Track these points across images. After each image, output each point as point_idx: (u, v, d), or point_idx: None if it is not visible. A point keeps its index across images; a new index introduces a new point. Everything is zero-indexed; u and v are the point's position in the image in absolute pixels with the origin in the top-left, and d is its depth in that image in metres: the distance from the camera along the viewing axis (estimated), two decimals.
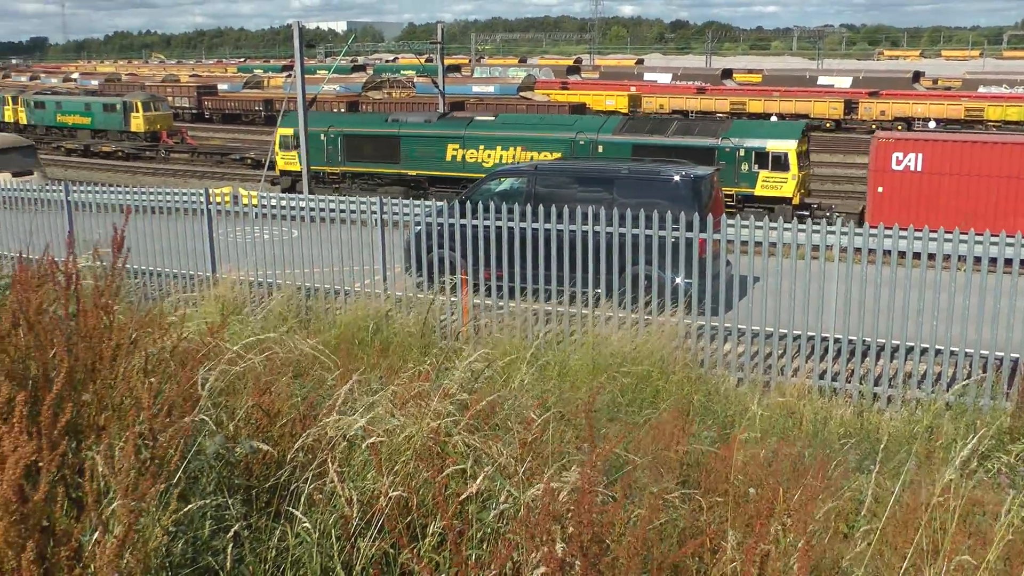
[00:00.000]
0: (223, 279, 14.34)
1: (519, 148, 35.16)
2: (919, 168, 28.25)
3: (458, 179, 36.00)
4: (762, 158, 32.24)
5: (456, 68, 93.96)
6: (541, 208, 13.59)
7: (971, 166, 27.82)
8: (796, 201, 32.33)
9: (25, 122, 70.15)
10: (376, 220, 14.65)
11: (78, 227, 17.22)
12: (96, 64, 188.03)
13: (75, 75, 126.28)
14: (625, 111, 69.41)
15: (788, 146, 32.18)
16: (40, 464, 3.02)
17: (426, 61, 73.12)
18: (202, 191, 15.99)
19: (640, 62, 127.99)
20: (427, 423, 4.04)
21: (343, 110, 61.89)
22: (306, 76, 34.87)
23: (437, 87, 45.47)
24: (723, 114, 69.59)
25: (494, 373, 6.47)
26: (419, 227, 14.66)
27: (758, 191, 32.58)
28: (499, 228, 13.72)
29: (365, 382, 5.81)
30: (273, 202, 15.36)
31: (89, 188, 17.73)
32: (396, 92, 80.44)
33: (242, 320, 10.38)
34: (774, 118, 66.98)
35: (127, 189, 17.17)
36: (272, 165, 40.84)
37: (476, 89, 75.88)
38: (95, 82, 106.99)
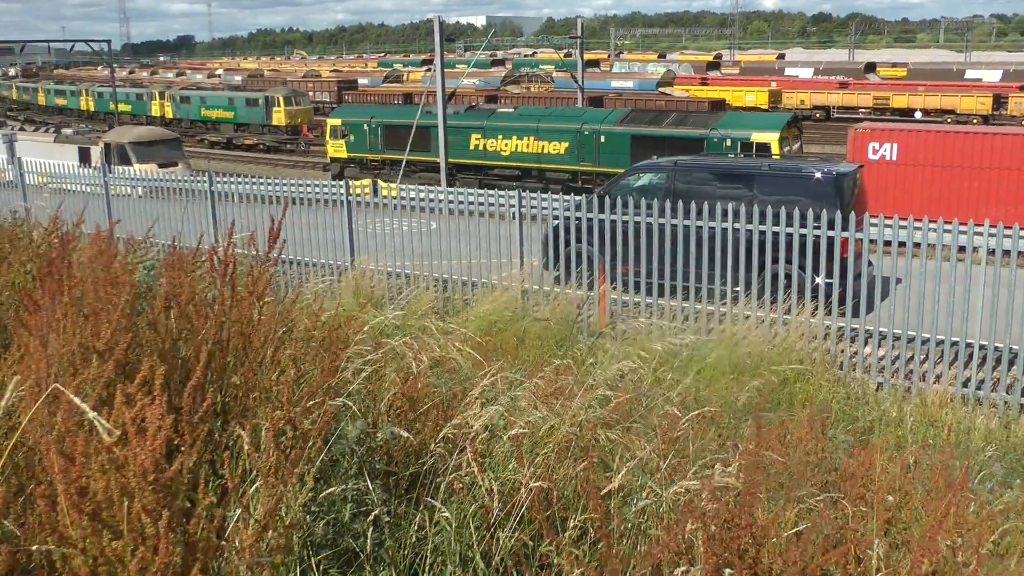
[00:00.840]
0: (360, 269, 14.61)
1: (532, 138, 37.64)
2: (895, 158, 28.81)
3: (480, 166, 38.96)
4: (747, 148, 33.33)
5: (595, 63, 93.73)
6: (680, 204, 13.45)
7: (946, 157, 27.93)
8: None
9: (171, 116, 72.86)
10: (514, 214, 14.72)
11: (221, 216, 17.76)
12: (240, 61, 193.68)
13: (219, 71, 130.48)
14: (765, 107, 68.20)
15: (771, 136, 33.31)
16: (182, 441, 3.11)
17: (565, 56, 73.11)
18: (342, 183, 16.31)
19: (781, 57, 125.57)
20: (570, 416, 4.01)
21: (482, 103, 62.51)
22: (445, 70, 35.25)
23: (576, 82, 45.41)
24: (866, 109, 67.81)
25: (632, 369, 6.41)
26: (557, 221, 14.68)
27: None
28: (637, 223, 13.63)
29: (504, 374, 5.82)
30: (412, 194, 15.56)
31: (232, 179, 18.26)
32: (535, 87, 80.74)
33: (380, 309, 10.54)
34: (918, 114, 64.93)
35: (269, 180, 17.63)
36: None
37: (615, 84, 75.56)
38: (238, 78, 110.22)
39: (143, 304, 5.42)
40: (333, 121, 44.78)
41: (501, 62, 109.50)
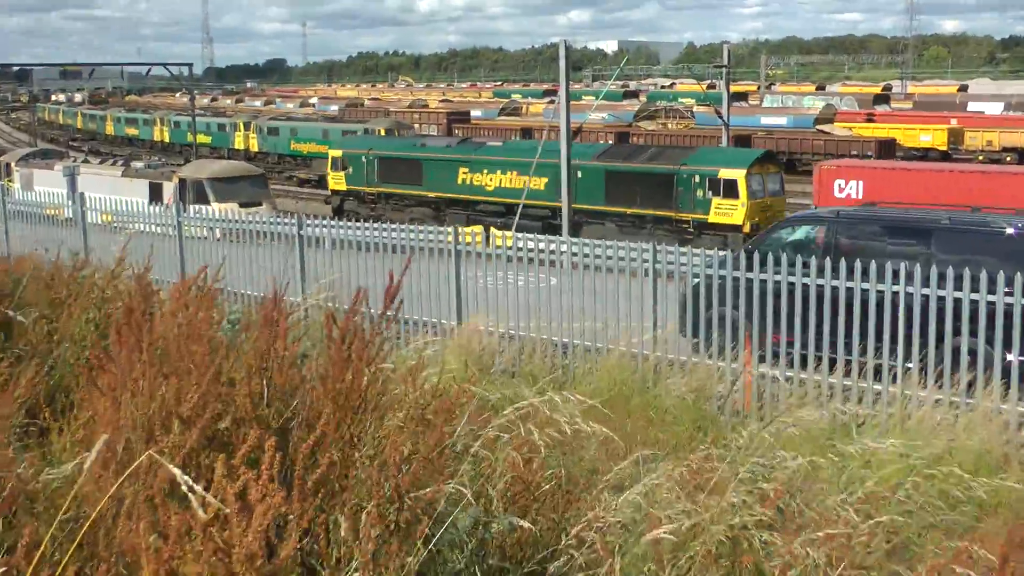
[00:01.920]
0: (469, 328, 14.75)
1: (514, 172, 41.85)
2: (860, 195, 32.24)
3: (467, 201, 43.49)
4: (715, 184, 36.76)
5: (742, 96, 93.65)
6: (843, 262, 13.29)
7: (908, 193, 29.72)
8: (747, 229, 35.77)
9: (256, 149, 74.66)
10: (647, 270, 14.73)
11: (311, 265, 18.11)
12: (337, 88, 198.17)
13: (313, 100, 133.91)
14: (944, 148, 67.13)
15: (737, 173, 36.47)
16: (289, 518, 3.18)
17: (708, 88, 73.19)
18: (450, 229, 16.53)
19: (963, 89, 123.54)
20: (717, 513, 3.98)
21: (611, 141, 62.98)
22: (571, 103, 35.57)
23: (721, 118, 45.42)
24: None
25: (787, 459, 6.33)
26: (697, 280, 14.63)
27: (712, 218, 37.07)
28: (791, 284, 13.50)
29: (632, 456, 5.80)
30: (530, 245, 15.70)
31: (324, 222, 18.64)
32: (672, 122, 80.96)
33: (491, 377, 10.64)
34: None
35: (365, 225, 17.96)
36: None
37: (765, 121, 75.30)
38: (335, 107, 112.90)
39: (223, 364, 5.55)
40: (334, 153, 50.04)
41: (634, 94, 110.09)
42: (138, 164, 49.71)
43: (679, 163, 38.00)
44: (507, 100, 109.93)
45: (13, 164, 52.50)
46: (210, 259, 18.58)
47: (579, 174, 39.07)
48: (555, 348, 14.60)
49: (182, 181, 42.21)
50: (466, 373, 10.51)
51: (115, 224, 21.89)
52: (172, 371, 4.77)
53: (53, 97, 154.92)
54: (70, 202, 23.23)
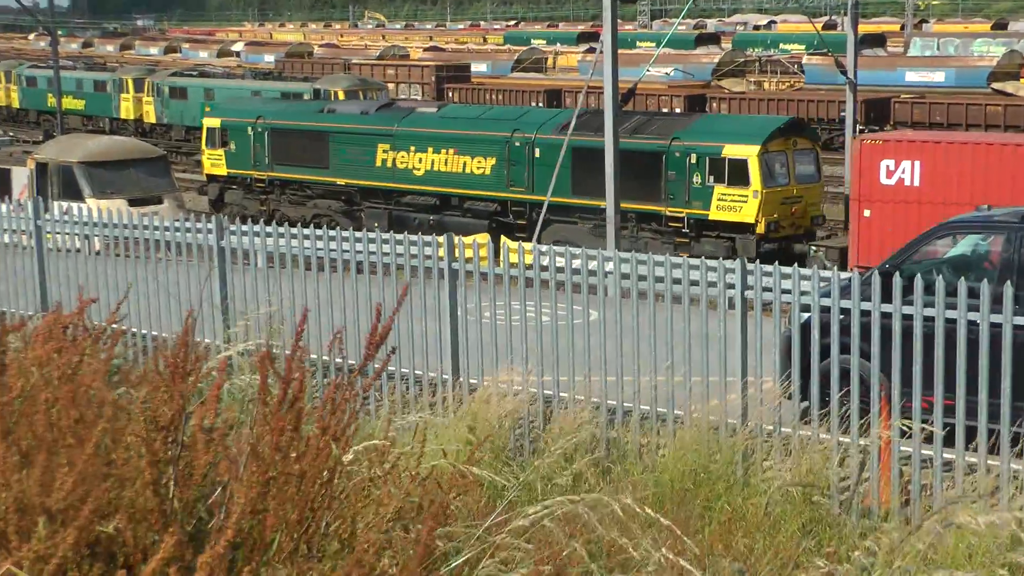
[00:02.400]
0: (473, 385, 14.80)
1: (452, 151, 43.14)
2: (916, 181, 33.44)
3: (389, 191, 45.01)
4: (717, 167, 37.63)
5: (878, 40, 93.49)
6: None
7: (990, 178, 31.85)
8: (761, 230, 37.07)
9: (153, 120, 74.86)
10: (735, 299, 14.75)
11: (237, 291, 18.19)
12: (273, 28, 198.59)
13: (237, 46, 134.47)
14: None
15: (749, 150, 37.27)
16: None
17: (824, 28, 73.29)
18: (442, 240, 16.63)
19: None
20: None
21: (679, 109, 63.22)
22: (619, 51, 35.59)
23: (844, 73, 45.43)
24: None
25: None
26: (807, 315, 14.63)
27: (713, 214, 37.94)
28: (950, 322, 13.53)
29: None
30: (559, 262, 15.77)
31: (257, 228, 18.75)
32: (769, 80, 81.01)
33: (507, 457, 10.70)
34: None
35: (316, 233, 18.03)
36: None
37: (912, 77, 75.32)
38: (270, 58, 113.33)
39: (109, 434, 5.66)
40: (210, 122, 51.90)
41: (714, 39, 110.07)
42: None
43: (670, 137, 38.84)
44: (525, 48, 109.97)
45: None
46: (85, 282, 18.65)
47: (536, 153, 40.77)
48: (595, 411, 14.64)
49: (41, 166, 42.25)
50: (467, 450, 10.59)
51: None
52: (35, 445, 4.86)
53: None
54: None
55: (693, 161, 37.76)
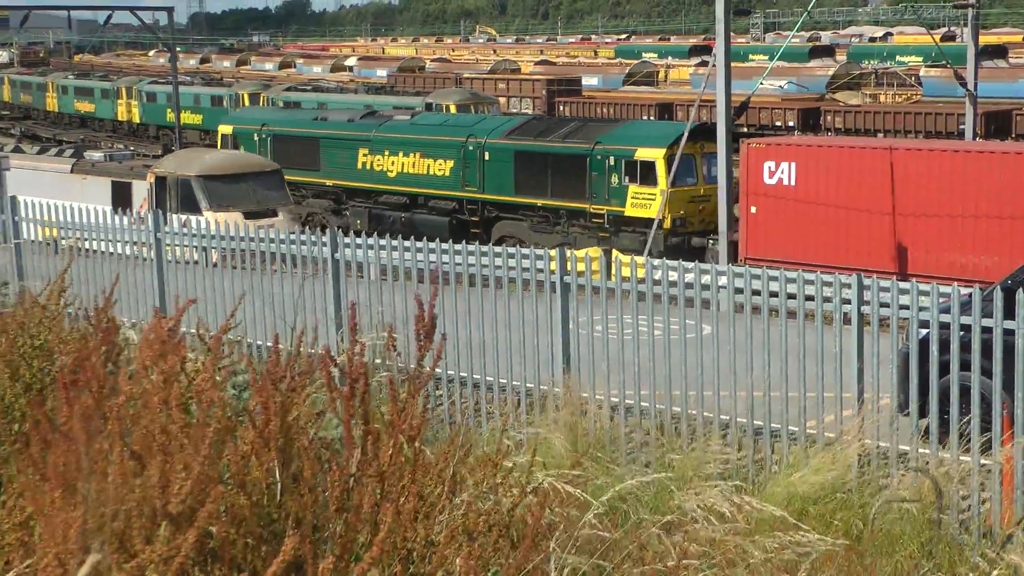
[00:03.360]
0: (574, 396, 14.78)
1: (418, 154, 48.41)
2: (792, 180, 37.75)
3: (368, 191, 50.19)
4: (631, 168, 42.36)
5: (999, 51, 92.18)
6: None
7: (854, 178, 36.61)
8: (668, 225, 40.96)
9: None
10: (852, 313, 14.64)
11: (355, 300, 18.25)
12: (385, 43, 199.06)
13: (350, 61, 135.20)
14: None
15: (655, 153, 41.92)
16: None
17: (942, 40, 72.52)
18: (553, 253, 16.65)
19: None
20: None
21: (792, 123, 63.23)
22: (732, 64, 35.54)
23: (963, 85, 44.94)
24: None
25: None
26: (925, 331, 14.45)
27: (628, 210, 42.31)
28: None
29: None
30: (672, 276, 15.74)
31: (366, 242, 18.86)
32: (885, 93, 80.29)
33: (610, 467, 10.67)
34: None
35: (431, 245, 18.09)
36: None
37: None
38: (382, 72, 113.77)
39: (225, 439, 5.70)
40: (223, 129, 57.47)
41: (828, 51, 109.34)
42: (95, 155, 50.44)
43: (594, 141, 43.72)
44: (636, 62, 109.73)
45: None
46: (203, 295, 18.82)
47: (486, 156, 45.99)
48: (712, 430, 14.61)
49: (160, 180, 42.67)
50: (571, 460, 10.59)
51: (62, 241, 22.19)
52: (150, 448, 4.89)
53: None
54: None
55: (611, 163, 42.67)
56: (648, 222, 40.32)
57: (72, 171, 46.62)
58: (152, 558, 4.30)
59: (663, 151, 41.41)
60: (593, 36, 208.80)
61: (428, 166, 47.73)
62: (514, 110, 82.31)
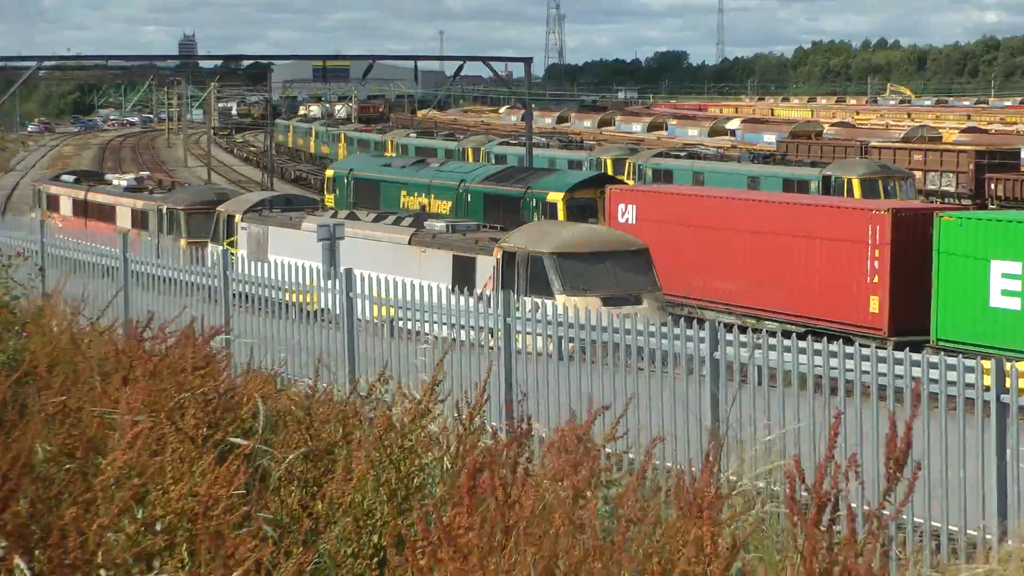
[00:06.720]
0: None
1: (433, 196, 68.06)
2: (634, 220, 54.59)
3: None
4: (545, 209, 59.70)
5: None
6: None
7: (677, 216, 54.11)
8: None
9: None
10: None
11: (737, 407, 17.84)
12: (774, 104, 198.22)
13: (732, 123, 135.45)
14: None
15: (557, 196, 60.31)
16: None
17: None
18: (987, 363, 16.14)
19: None
20: None
21: None
22: None
23: None
24: None
25: None
26: None
27: None
28: None
29: None
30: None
31: (752, 340, 18.52)
32: None
33: None
34: None
35: (832, 348, 17.64)
36: None
37: None
38: (770, 137, 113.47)
39: None
40: (328, 173, 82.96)
41: None
42: (436, 224, 50.07)
43: (527, 186, 63.19)
44: None
45: (239, 217, 55.38)
46: (554, 391, 18.76)
47: (468, 198, 65.90)
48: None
49: (508, 256, 42.97)
50: None
51: (398, 324, 22.28)
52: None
53: (302, 110, 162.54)
54: (331, 283, 23.62)
55: (534, 205, 61.42)
56: None
57: (410, 242, 47.12)
58: None
59: (562, 194, 60.41)
60: None
61: (437, 206, 65.92)
62: (932, 186, 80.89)
